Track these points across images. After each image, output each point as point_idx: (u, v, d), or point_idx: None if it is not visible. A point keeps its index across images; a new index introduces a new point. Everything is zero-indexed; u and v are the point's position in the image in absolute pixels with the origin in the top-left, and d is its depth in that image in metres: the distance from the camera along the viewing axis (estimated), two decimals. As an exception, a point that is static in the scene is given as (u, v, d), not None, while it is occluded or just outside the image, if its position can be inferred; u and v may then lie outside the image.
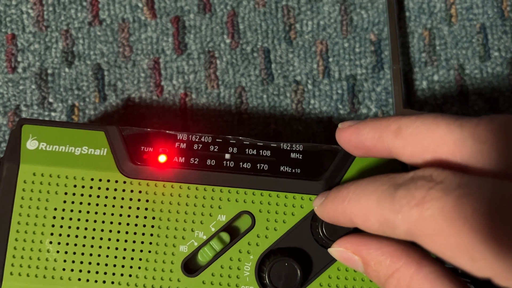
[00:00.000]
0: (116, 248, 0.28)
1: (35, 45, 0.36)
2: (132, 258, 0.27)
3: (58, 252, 0.27)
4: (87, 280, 0.27)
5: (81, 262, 0.27)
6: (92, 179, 0.28)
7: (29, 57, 0.36)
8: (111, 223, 0.28)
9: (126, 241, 0.28)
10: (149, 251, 0.28)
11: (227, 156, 0.29)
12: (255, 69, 0.36)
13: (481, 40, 0.37)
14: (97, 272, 0.27)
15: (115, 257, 0.27)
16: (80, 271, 0.27)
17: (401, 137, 0.24)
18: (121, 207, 0.28)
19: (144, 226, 0.28)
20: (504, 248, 0.19)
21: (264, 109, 0.36)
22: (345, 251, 0.26)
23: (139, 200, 0.28)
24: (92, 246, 0.28)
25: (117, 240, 0.28)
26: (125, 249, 0.28)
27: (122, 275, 0.27)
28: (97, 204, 0.28)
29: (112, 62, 0.36)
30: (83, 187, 0.28)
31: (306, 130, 0.36)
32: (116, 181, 0.28)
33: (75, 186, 0.28)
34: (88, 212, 0.28)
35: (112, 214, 0.28)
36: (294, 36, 0.37)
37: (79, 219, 0.28)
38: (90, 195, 0.28)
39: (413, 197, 0.21)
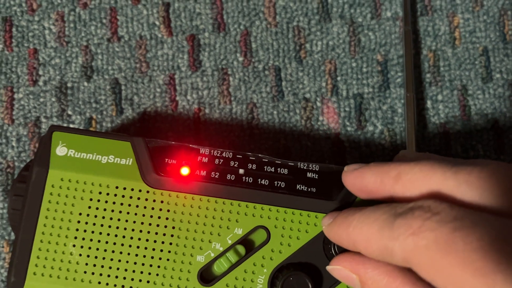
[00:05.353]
0: (136, 255, 0.28)
1: (56, 60, 0.37)
2: (150, 265, 0.28)
3: (80, 255, 0.28)
4: (107, 284, 0.28)
5: (102, 266, 0.28)
6: (116, 187, 0.29)
7: (50, 71, 0.37)
8: (133, 230, 0.28)
9: (145, 248, 0.28)
10: (168, 259, 0.28)
11: (246, 172, 0.29)
12: (266, 86, 0.37)
13: (484, 62, 0.38)
14: (116, 277, 0.28)
15: (135, 263, 0.28)
16: (100, 274, 0.28)
17: (400, 182, 0.25)
18: (143, 215, 0.29)
19: (164, 235, 0.28)
20: (496, 283, 0.20)
21: (274, 125, 0.37)
22: (343, 269, 0.26)
23: (160, 209, 0.29)
24: (113, 252, 0.28)
25: (137, 247, 0.28)
26: (144, 256, 0.28)
27: (140, 281, 0.28)
28: (120, 212, 0.29)
29: (129, 77, 0.37)
30: (107, 194, 0.29)
31: (314, 146, 0.37)
32: (140, 190, 0.29)
33: (100, 193, 0.29)
34: (111, 218, 0.28)
35: (134, 222, 0.28)
36: (304, 56, 0.38)
37: (102, 225, 0.28)
38: (114, 203, 0.29)
39: (410, 226, 0.22)
